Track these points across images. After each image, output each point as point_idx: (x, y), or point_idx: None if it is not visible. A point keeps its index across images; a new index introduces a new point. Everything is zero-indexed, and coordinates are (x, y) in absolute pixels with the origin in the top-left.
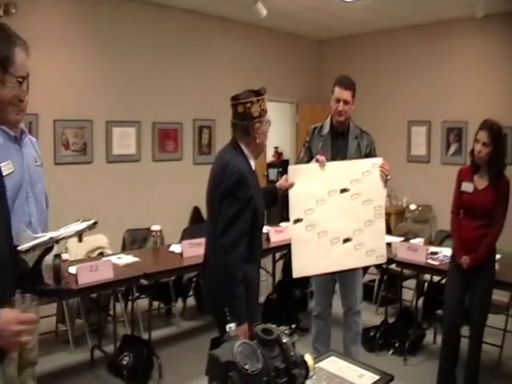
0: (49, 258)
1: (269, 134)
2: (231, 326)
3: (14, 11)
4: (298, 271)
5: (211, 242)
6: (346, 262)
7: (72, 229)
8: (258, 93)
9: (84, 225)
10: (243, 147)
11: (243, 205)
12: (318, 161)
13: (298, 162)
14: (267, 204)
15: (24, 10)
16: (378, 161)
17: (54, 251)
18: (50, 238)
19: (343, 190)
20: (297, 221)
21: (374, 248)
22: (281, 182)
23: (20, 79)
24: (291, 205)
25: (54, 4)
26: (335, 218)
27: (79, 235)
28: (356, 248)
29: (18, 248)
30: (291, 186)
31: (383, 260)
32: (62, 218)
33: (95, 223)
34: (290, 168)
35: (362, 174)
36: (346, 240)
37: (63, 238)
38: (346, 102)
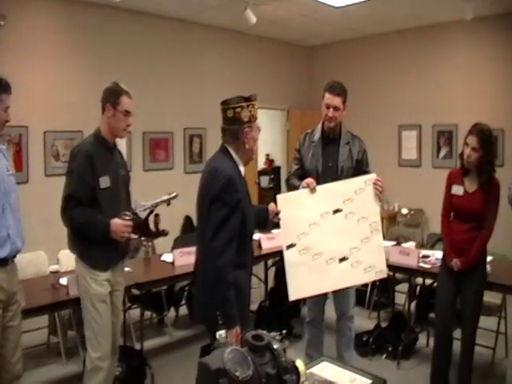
0: (152, 216)
1: (260, 141)
2: (221, 334)
3: (2, 23)
4: (294, 294)
5: (201, 248)
6: (344, 281)
7: (161, 199)
8: (248, 99)
9: (166, 196)
10: (232, 152)
11: (231, 208)
12: (308, 186)
13: (291, 175)
14: (256, 223)
15: (13, 21)
16: (371, 177)
17: (154, 212)
18: (152, 205)
19: (336, 211)
20: (290, 246)
21: (373, 264)
22: (272, 206)
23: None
24: (283, 231)
25: (43, 16)
26: (330, 239)
27: (168, 203)
28: (354, 266)
29: (135, 211)
30: (280, 211)
31: (383, 275)
32: (52, 230)
33: (176, 196)
34: (279, 197)
35: (355, 193)
36: (343, 259)
37: (158, 204)
38: (336, 109)
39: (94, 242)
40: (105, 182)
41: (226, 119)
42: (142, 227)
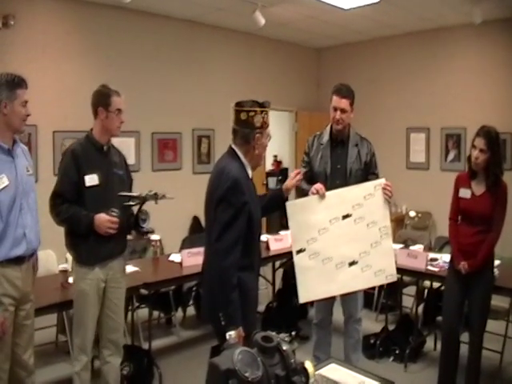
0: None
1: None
2: (231, 334)
3: (12, 23)
4: (304, 297)
5: (207, 249)
6: (354, 284)
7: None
8: (262, 105)
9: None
10: (241, 155)
11: (237, 210)
12: (317, 192)
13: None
14: (273, 208)
15: (23, 21)
16: (381, 182)
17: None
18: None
19: (345, 216)
20: (299, 251)
21: (383, 268)
22: (287, 183)
23: (117, 112)
24: (292, 236)
25: (52, 15)
26: (339, 244)
27: (155, 202)
28: (363, 270)
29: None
30: (298, 182)
31: (393, 279)
32: (60, 228)
33: (156, 194)
34: (288, 204)
35: (364, 198)
36: (352, 263)
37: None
38: (343, 111)
39: (81, 238)
40: (92, 179)
41: (239, 121)
42: (131, 223)
